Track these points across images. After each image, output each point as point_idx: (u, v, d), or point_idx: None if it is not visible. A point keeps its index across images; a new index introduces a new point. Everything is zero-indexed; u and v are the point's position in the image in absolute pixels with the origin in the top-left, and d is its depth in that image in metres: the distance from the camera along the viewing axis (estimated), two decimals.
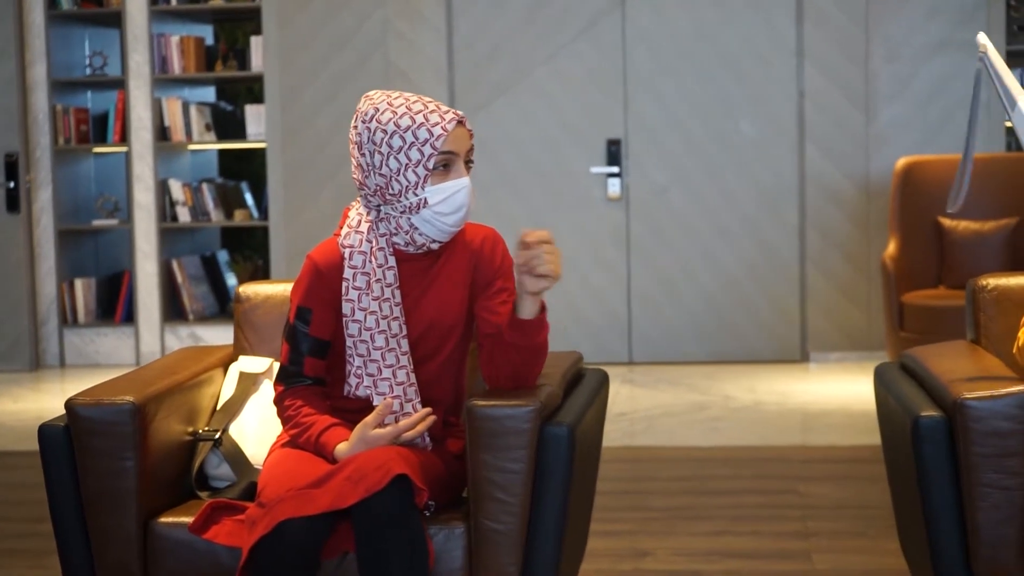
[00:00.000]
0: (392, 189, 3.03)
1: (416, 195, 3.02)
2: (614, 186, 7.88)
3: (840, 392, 6.95)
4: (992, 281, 3.47)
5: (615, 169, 7.87)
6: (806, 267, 7.77)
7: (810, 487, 5.22)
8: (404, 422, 2.97)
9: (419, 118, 3.02)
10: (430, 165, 3.01)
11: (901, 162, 6.98)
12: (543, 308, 3.01)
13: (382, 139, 3.03)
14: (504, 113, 7.95)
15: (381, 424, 2.97)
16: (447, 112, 3.04)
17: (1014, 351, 3.10)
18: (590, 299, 7.93)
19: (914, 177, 6.89)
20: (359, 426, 2.98)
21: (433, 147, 3.00)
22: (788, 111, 7.76)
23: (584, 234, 7.92)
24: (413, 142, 3.01)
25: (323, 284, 3.10)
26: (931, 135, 7.63)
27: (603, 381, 3.56)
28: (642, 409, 6.76)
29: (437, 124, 3.01)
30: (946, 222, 6.81)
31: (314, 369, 3.11)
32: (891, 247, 6.83)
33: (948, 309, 6.30)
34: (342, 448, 2.98)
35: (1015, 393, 2.85)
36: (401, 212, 3.04)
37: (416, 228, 3.05)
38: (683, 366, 7.83)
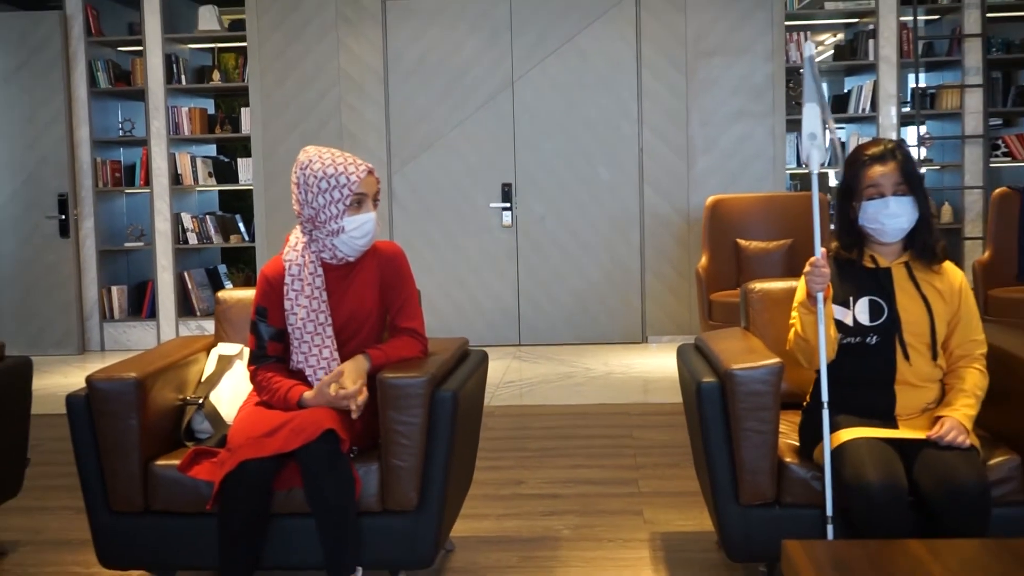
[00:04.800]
0: (320, 218, 3.08)
1: (337, 223, 3.07)
2: (507, 217, 7.90)
3: (669, 364, 6.91)
4: (758, 285, 3.54)
5: (507, 204, 7.90)
6: (645, 274, 7.84)
7: (643, 433, 5.25)
8: (345, 392, 3.01)
9: (340, 168, 3.08)
10: (347, 202, 3.06)
11: (710, 199, 7.00)
12: (375, 364, 3.09)
13: (314, 182, 3.08)
14: (427, 164, 7.95)
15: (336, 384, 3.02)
16: (360, 165, 3.11)
17: (787, 347, 3.12)
18: (489, 298, 7.96)
19: (720, 210, 6.94)
20: (319, 384, 3.03)
21: (350, 189, 3.06)
22: (632, 162, 7.82)
23: (485, 251, 7.95)
24: (336, 185, 3.06)
25: (272, 289, 3.14)
26: (733, 179, 7.71)
27: (483, 358, 3.58)
28: (526, 379, 6.78)
29: (352, 173, 3.07)
30: (742, 242, 6.86)
31: (275, 350, 3.15)
32: (703, 260, 6.85)
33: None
34: (307, 395, 3.03)
35: (767, 365, 2.94)
36: (327, 235, 3.09)
37: (337, 247, 3.11)
38: (557, 346, 7.86)
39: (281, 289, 3.12)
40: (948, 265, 3.06)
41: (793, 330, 3.03)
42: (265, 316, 3.13)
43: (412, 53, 7.89)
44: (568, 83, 7.82)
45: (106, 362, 7.72)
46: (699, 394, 2.99)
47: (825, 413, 2.90)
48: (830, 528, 2.84)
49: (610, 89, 7.80)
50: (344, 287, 3.16)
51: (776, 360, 2.95)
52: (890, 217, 2.96)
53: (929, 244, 3.01)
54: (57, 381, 7.07)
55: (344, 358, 3.13)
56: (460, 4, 7.86)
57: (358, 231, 3.09)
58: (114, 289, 8.29)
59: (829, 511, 2.83)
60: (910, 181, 2.97)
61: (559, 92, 7.83)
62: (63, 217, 8.09)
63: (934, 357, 2.97)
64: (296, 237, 3.19)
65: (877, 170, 2.97)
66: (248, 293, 3.61)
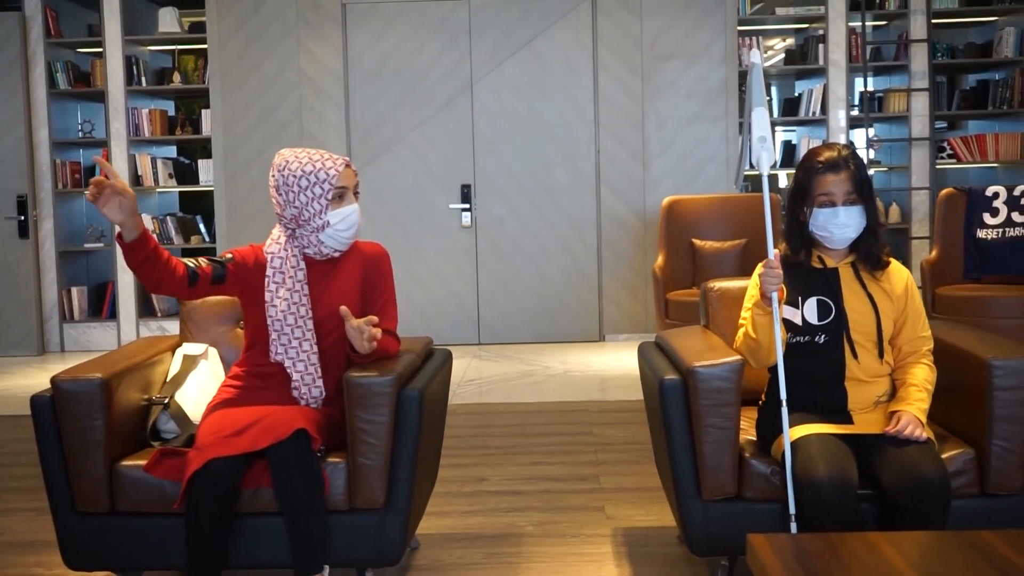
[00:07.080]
0: (304, 216, 3.05)
1: (322, 219, 3.05)
2: (466, 218, 7.89)
3: (626, 362, 7.01)
4: (716, 284, 3.55)
5: (467, 206, 7.89)
6: (602, 274, 7.86)
7: (602, 430, 5.25)
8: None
9: (318, 164, 3.05)
10: (329, 196, 3.04)
11: (666, 200, 7.02)
12: (377, 347, 3.06)
13: (293, 182, 3.05)
14: (387, 165, 7.92)
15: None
16: (337, 158, 3.09)
17: (734, 347, 3.14)
18: (450, 298, 7.94)
19: (675, 211, 6.96)
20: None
21: (330, 183, 3.04)
22: (589, 164, 7.84)
23: (445, 252, 7.93)
24: (316, 181, 3.03)
25: (252, 255, 3.11)
26: (687, 181, 7.75)
27: (448, 357, 3.56)
28: (486, 377, 6.77)
29: (331, 168, 3.05)
30: (697, 241, 6.90)
31: (200, 268, 3.02)
32: (659, 259, 6.86)
33: (696, 303, 6.35)
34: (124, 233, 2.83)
35: (728, 363, 2.94)
36: (312, 231, 3.07)
37: (323, 242, 3.09)
38: (516, 345, 7.87)
39: (257, 265, 3.09)
40: (894, 265, 3.10)
41: (743, 330, 3.05)
42: (227, 256, 3.07)
43: (372, 56, 7.85)
44: (526, 86, 7.82)
45: (66, 363, 7.60)
46: (661, 391, 2.98)
47: (784, 411, 2.92)
48: (794, 526, 2.85)
49: (567, 92, 7.80)
50: (326, 283, 3.14)
51: (737, 358, 2.95)
52: (839, 227, 2.99)
53: (874, 251, 3.05)
54: (17, 382, 6.95)
55: (322, 353, 3.10)
56: (419, 7, 7.83)
57: (343, 223, 3.07)
58: (74, 290, 8.17)
59: (792, 508, 2.84)
60: (861, 190, 3.00)
61: (517, 95, 7.82)
62: (22, 218, 7.96)
63: (880, 355, 3.00)
64: (279, 231, 3.15)
65: (830, 178, 2.99)
66: (210, 296, 3.56)
